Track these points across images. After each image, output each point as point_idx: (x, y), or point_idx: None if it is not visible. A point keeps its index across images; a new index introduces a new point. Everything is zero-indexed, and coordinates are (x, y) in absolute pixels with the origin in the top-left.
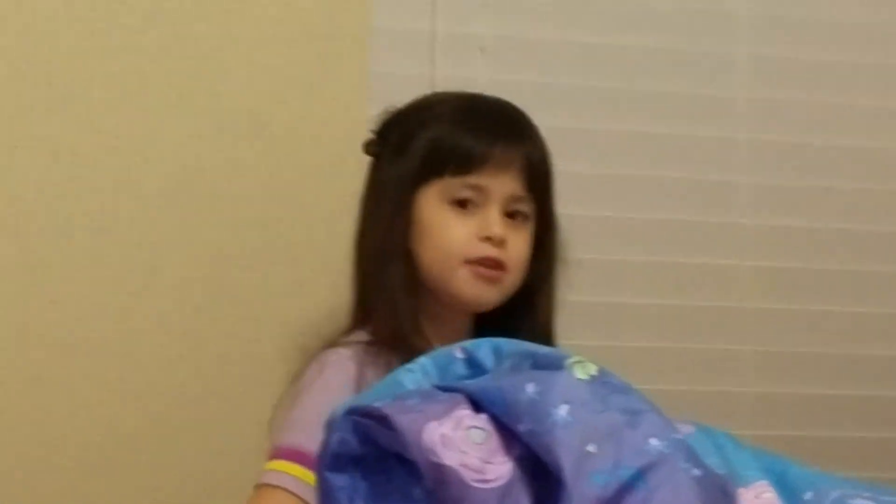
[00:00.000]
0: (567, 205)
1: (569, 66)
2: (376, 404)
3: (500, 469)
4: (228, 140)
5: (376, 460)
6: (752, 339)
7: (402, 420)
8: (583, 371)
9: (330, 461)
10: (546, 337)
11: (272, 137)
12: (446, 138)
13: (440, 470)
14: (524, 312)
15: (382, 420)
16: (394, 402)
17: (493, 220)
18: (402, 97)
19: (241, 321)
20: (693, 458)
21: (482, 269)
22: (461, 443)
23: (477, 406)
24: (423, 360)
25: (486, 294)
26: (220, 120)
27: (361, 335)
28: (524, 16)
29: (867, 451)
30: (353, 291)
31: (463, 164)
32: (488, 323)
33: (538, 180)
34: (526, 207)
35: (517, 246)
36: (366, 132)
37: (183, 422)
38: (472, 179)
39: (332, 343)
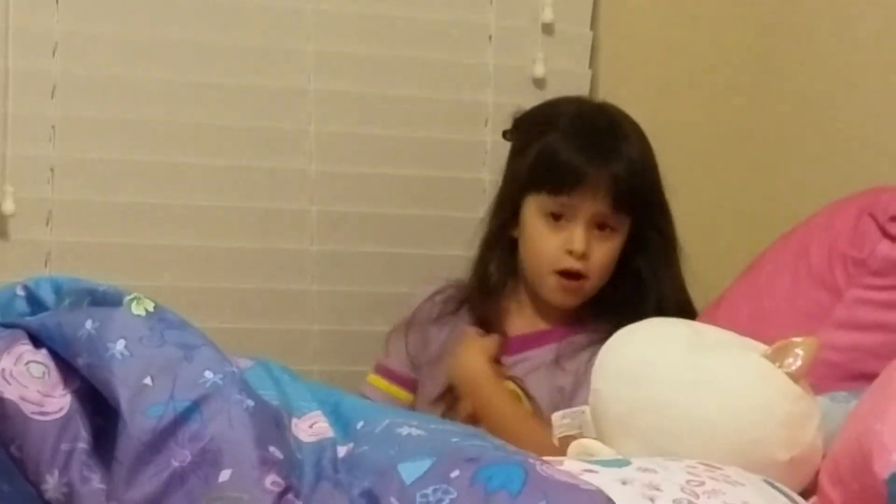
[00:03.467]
0: None
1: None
2: None
3: (59, 402)
4: None
5: None
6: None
7: None
8: (140, 307)
9: None
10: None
11: None
12: (551, 155)
13: (1, 404)
14: (636, 301)
15: None
16: None
17: (577, 236)
18: None
19: None
20: (247, 389)
21: (565, 282)
22: (21, 377)
23: (37, 342)
24: None
25: (568, 301)
26: None
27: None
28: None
29: None
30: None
31: (559, 186)
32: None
33: (626, 198)
34: (613, 221)
35: (600, 256)
36: None
37: None
38: (565, 199)
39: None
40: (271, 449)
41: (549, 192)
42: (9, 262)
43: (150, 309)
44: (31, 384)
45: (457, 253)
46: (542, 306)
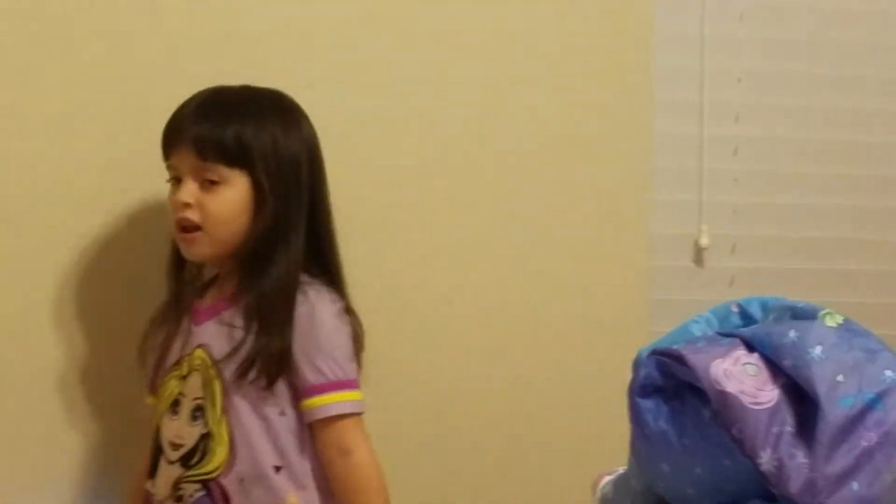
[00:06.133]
0: None
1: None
2: (673, 347)
3: (769, 394)
4: (520, 134)
5: (674, 389)
6: None
7: (694, 358)
8: (832, 320)
9: (639, 390)
10: (286, 271)
11: (566, 125)
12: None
13: (724, 396)
14: (269, 250)
15: (678, 359)
16: (686, 345)
17: (181, 188)
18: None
19: None
20: None
21: (182, 234)
22: (739, 375)
23: (750, 348)
24: (707, 314)
25: (191, 252)
26: (513, 108)
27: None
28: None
29: None
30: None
31: (163, 148)
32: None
33: (210, 150)
34: (214, 174)
35: (213, 204)
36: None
37: None
38: (171, 162)
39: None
40: None
41: (164, 157)
42: (703, 284)
43: (840, 321)
44: (747, 380)
45: None
46: (219, 277)
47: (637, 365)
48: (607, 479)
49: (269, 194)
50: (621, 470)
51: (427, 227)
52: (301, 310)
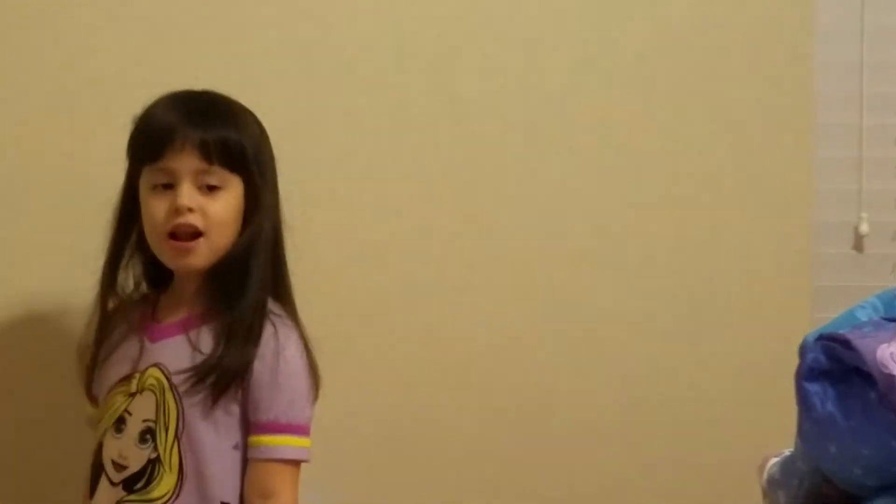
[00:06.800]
0: None
1: None
2: (840, 332)
3: None
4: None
5: (841, 373)
6: None
7: (861, 343)
8: None
9: (806, 374)
10: (260, 287)
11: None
12: (145, 124)
13: (891, 379)
14: (247, 264)
15: (845, 343)
16: (852, 329)
17: (181, 192)
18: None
19: None
20: None
21: (177, 244)
22: None
23: None
24: (872, 299)
25: (189, 262)
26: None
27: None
28: None
29: None
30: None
31: (153, 149)
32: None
33: (217, 152)
34: (216, 179)
35: (213, 211)
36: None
37: None
38: (163, 164)
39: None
40: None
41: (148, 160)
42: (864, 270)
43: None
44: None
45: None
46: (185, 292)
47: (804, 350)
48: (774, 460)
49: (263, 200)
50: (787, 452)
51: (587, 214)
52: (270, 344)
